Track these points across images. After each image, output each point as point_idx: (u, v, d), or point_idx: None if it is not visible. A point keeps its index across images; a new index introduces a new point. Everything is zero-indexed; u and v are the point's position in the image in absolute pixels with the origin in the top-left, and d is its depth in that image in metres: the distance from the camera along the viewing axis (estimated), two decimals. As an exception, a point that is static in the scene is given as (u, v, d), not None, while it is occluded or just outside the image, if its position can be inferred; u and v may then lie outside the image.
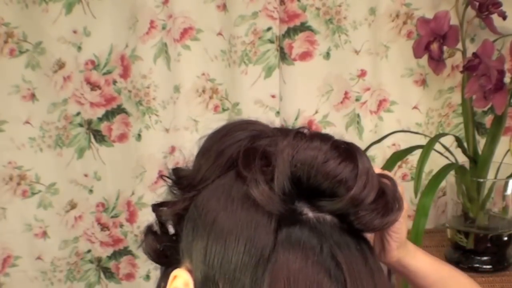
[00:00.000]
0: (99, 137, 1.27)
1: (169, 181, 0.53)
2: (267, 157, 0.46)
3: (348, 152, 0.45)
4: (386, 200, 0.46)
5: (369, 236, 0.59)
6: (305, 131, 0.48)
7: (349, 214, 0.45)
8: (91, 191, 1.30)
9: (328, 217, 0.45)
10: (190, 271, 0.47)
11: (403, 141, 1.25)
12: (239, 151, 0.48)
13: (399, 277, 1.12)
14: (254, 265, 0.43)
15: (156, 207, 0.54)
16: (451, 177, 1.13)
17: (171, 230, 0.54)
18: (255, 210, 0.45)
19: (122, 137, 1.28)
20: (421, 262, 0.65)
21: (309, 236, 0.44)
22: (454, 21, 1.12)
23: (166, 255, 0.53)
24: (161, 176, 0.55)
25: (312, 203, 0.45)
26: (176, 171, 0.54)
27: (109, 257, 1.34)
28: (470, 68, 1.07)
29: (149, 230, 0.54)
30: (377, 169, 0.52)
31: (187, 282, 0.47)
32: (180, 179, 0.53)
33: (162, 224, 0.54)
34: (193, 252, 0.47)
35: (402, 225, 0.60)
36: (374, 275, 0.45)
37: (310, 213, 0.45)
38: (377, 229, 0.46)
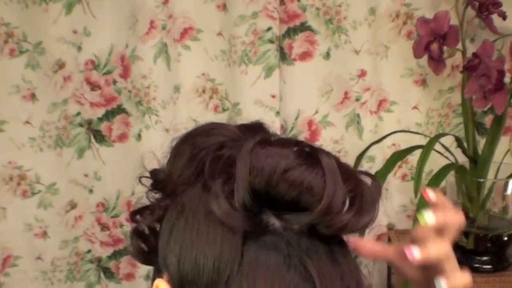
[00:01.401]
0: (99, 137, 1.27)
1: (147, 183, 0.52)
2: (230, 168, 0.43)
3: (311, 157, 0.42)
4: (361, 203, 0.43)
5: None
6: (272, 137, 0.45)
7: (318, 223, 0.42)
8: (91, 191, 1.30)
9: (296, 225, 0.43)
10: (169, 282, 0.46)
11: (403, 141, 1.25)
12: (206, 159, 0.47)
13: (399, 277, 1.12)
14: (225, 281, 0.42)
15: (133, 216, 0.52)
16: (451, 177, 1.13)
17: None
18: (221, 226, 0.43)
19: (122, 137, 1.28)
20: None
21: (275, 251, 0.42)
22: (454, 21, 1.12)
23: (155, 255, 0.51)
24: (139, 178, 0.53)
25: (278, 213, 0.43)
26: (154, 173, 0.53)
27: (109, 257, 1.34)
28: (470, 68, 1.07)
29: (134, 232, 0.52)
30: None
31: None
32: (157, 183, 0.52)
33: (148, 227, 0.52)
34: (169, 266, 0.46)
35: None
36: (344, 277, 0.43)
37: (277, 223, 0.43)
38: (349, 232, 0.43)
